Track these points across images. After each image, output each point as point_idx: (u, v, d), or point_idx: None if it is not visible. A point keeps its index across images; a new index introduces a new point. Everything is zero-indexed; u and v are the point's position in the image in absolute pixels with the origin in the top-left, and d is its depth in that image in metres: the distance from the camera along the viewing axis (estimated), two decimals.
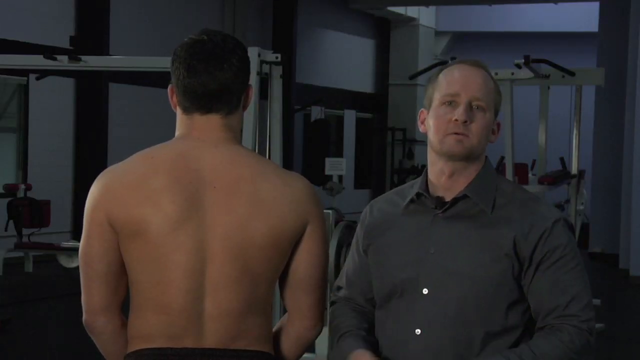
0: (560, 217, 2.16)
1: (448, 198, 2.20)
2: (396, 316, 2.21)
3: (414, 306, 2.18)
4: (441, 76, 2.22)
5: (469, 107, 2.16)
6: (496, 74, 7.92)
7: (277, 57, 6.14)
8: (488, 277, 2.11)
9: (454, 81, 2.18)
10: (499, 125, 2.23)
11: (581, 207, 9.43)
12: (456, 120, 2.14)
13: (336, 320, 2.34)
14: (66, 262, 10.98)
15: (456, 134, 2.15)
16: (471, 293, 2.12)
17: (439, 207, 2.19)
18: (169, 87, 2.24)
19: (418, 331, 2.16)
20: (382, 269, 2.26)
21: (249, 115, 5.82)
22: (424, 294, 2.16)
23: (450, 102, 2.17)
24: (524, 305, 2.15)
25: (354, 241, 2.37)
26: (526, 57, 7.72)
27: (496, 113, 2.22)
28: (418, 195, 2.23)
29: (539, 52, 10.25)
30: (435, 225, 2.18)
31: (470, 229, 2.15)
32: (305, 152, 17.00)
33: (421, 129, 2.25)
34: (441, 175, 2.20)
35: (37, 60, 7.20)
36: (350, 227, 5.73)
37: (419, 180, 2.26)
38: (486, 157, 2.25)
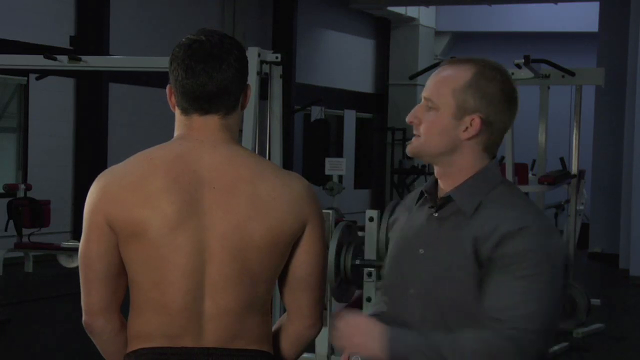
0: (532, 224, 2.06)
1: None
2: (389, 312, 2.24)
3: (401, 304, 2.20)
4: None
5: (422, 108, 2.17)
6: None
7: (277, 57, 6.14)
8: (464, 282, 2.09)
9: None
10: (473, 121, 2.12)
11: (581, 207, 9.42)
12: None
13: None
14: (66, 262, 10.98)
15: (413, 135, 2.19)
16: (450, 296, 2.11)
17: (434, 206, 2.19)
18: (167, 87, 2.24)
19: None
20: (386, 264, 2.29)
21: (249, 115, 5.82)
22: (410, 293, 2.17)
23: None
24: None
25: None
26: (526, 57, 7.71)
27: (466, 110, 2.12)
28: (422, 193, 2.24)
29: (539, 52, 10.25)
30: (428, 226, 2.19)
31: (452, 230, 2.14)
32: (305, 152, 16.99)
33: None
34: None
35: (37, 60, 7.20)
36: (350, 227, 5.72)
37: (432, 177, 2.28)
38: (493, 159, 2.20)
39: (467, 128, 2.13)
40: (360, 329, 2.09)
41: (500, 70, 2.17)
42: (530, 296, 2.02)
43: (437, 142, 2.14)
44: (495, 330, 2.01)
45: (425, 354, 2.02)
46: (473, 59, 2.19)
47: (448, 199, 2.16)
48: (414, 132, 2.18)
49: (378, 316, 2.25)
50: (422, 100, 2.18)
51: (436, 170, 2.20)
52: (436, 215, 2.17)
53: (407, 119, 2.18)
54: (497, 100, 2.13)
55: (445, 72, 2.17)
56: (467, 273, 2.08)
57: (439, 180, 2.21)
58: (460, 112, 2.13)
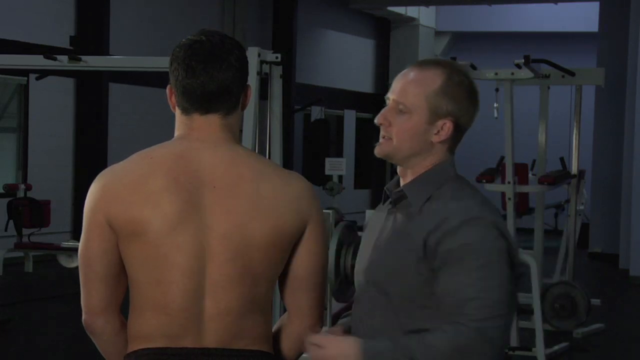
0: (475, 217, 2.11)
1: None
2: (354, 301, 2.28)
3: (360, 295, 2.26)
4: None
5: (393, 111, 2.19)
6: (496, 74, 7.92)
7: (277, 57, 6.14)
8: (409, 275, 2.13)
9: (393, 84, 2.23)
10: (445, 125, 2.17)
11: (581, 207, 9.43)
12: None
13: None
14: (66, 262, 10.98)
15: (382, 136, 2.22)
16: (399, 289, 2.15)
17: (392, 203, 2.25)
18: (168, 87, 2.24)
19: (360, 323, 2.22)
20: (357, 260, 2.34)
21: (249, 115, 5.82)
22: (365, 284, 2.23)
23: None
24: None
25: None
26: (526, 57, 7.71)
27: (439, 115, 2.17)
28: (386, 190, 2.30)
29: (539, 52, 10.24)
30: (386, 220, 2.25)
31: (402, 224, 2.20)
32: (305, 152, 16.99)
33: None
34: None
35: (37, 60, 7.20)
36: (350, 227, 5.72)
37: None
38: (449, 156, 2.24)
39: (438, 131, 2.19)
40: (333, 350, 2.10)
41: (464, 72, 2.24)
42: (485, 285, 2.06)
43: (409, 146, 2.19)
44: (459, 325, 2.05)
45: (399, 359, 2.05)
46: (439, 61, 2.23)
47: (400, 193, 2.22)
48: (383, 133, 2.21)
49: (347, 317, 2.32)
50: (391, 101, 2.20)
51: (399, 169, 2.26)
52: (392, 209, 2.24)
53: (377, 121, 2.21)
54: (466, 103, 2.21)
55: (415, 76, 2.20)
56: (414, 266, 2.13)
57: (400, 178, 2.27)
58: (433, 117, 2.18)
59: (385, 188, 2.29)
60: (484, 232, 2.11)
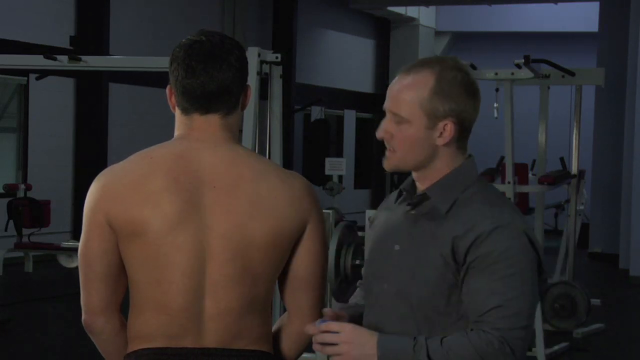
0: (506, 224, 2.09)
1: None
2: (368, 307, 2.24)
3: (377, 300, 2.21)
4: None
5: (391, 123, 2.16)
6: (496, 74, 7.92)
7: (277, 57, 6.14)
8: (435, 280, 2.11)
9: (387, 94, 2.19)
10: (446, 126, 2.13)
11: (581, 207, 9.42)
12: None
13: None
14: (66, 262, 10.98)
15: (387, 149, 2.19)
16: (421, 292, 2.12)
17: (411, 205, 2.21)
18: (167, 88, 2.24)
19: (376, 329, 2.17)
20: (366, 260, 2.31)
21: (249, 115, 5.82)
22: (384, 289, 2.19)
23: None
24: (460, 304, 2.13)
25: None
26: (526, 57, 7.71)
27: (438, 117, 2.12)
28: (400, 191, 2.26)
29: (539, 52, 10.24)
30: (404, 223, 2.20)
31: (427, 228, 2.15)
32: (305, 152, 16.99)
33: None
34: None
35: (37, 60, 7.19)
36: (350, 227, 5.72)
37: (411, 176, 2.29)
38: (470, 156, 2.22)
39: (441, 134, 2.15)
40: (350, 339, 2.08)
41: (457, 67, 2.17)
42: (512, 295, 2.05)
43: (415, 155, 2.16)
44: (483, 332, 2.03)
45: (418, 359, 2.03)
46: (428, 62, 2.18)
47: (424, 196, 2.17)
48: (387, 146, 2.18)
49: (353, 308, 2.28)
50: (387, 113, 2.17)
51: (414, 173, 2.23)
52: (412, 212, 2.19)
53: (378, 135, 2.18)
54: (463, 99, 2.15)
55: (405, 82, 2.15)
56: (440, 271, 2.10)
57: (416, 181, 2.23)
58: (432, 121, 2.14)
59: (401, 188, 2.25)
60: (515, 239, 2.08)
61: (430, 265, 2.11)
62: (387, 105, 2.17)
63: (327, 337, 2.09)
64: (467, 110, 2.16)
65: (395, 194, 2.32)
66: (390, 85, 2.19)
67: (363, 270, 2.40)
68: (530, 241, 2.11)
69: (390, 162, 2.20)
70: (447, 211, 2.13)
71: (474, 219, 2.09)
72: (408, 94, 2.14)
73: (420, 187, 2.21)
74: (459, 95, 2.14)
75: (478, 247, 2.07)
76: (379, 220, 2.31)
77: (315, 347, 2.12)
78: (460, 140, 2.18)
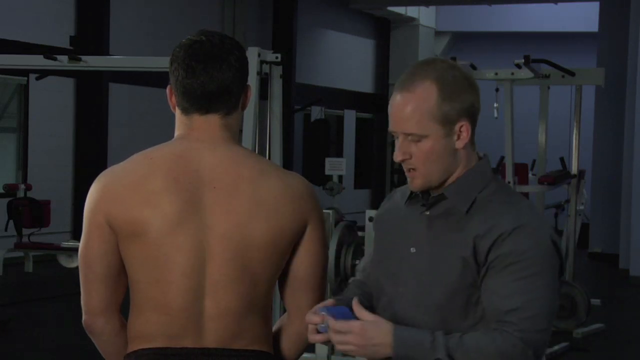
0: (526, 223, 2.07)
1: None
2: (380, 309, 2.21)
3: (392, 302, 2.19)
4: (389, 102, 2.17)
5: (406, 141, 2.12)
6: (496, 74, 7.92)
7: (277, 57, 6.14)
8: (456, 280, 2.09)
9: (390, 116, 2.14)
10: (462, 127, 2.11)
11: (581, 207, 9.42)
12: None
13: (342, 295, 2.33)
14: (66, 262, 10.96)
15: (407, 170, 2.15)
16: (440, 296, 2.11)
17: (425, 205, 2.19)
18: (168, 88, 2.24)
19: None
20: (374, 261, 2.28)
21: (249, 115, 5.82)
22: (400, 292, 2.16)
23: (397, 138, 2.15)
24: (480, 305, 2.12)
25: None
26: (526, 57, 7.71)
27: (453, 121, 2.10)
28: (412, 193, 2.23)
29: (539, 52, 10.24)
30: (419, 224, 2.18)
31: (445, 229, 2.13)
32: (305, 152, 16.99)
33: None
34: None
35: (37, 60, 7.20)
36: (350, 227, 5.73)
37: None
38: (484, 156, 2.21)
39: (459, 136, 2.13)
40: (368, 334, 2.04)
41: (451, 65, 2.15)
42: (533, 297, 2.03)
43: (439, 166, 2.13)
44: (505, 333, 2.02)
45: (436, 355, 2.00)
46: (421, 70, 2.13)
47: (441, 196, 2.15)
48: (408, 167, 2.14)
49: (347, 300, 2.19)
50: (400, 135, 2.12)
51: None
52: (427, 213, 2.17)
53: (398, 159, 2.13)
54: (469, 94, 2.12)
55: (407, 99, 2.10)
56: (460, 272, 2.09)
57: None
58: (448, 128, 2.11)
59: (411, 189, 2.21)
60: (535, 240, 2.07)
61: (450, 266, 2.09)
62: (395, 127, 2.12)
63: (337, 326, 2.04)
64: (475, 104, 2.14)
65: (398, 194, 2.30)
66: (391, 106, 2.13)
67: (364, 269, 2.37)
68: (554, 245, 2.09)
69: (416, 182, 2.14)
70: (466, 211, 2.11)
71: (495, 219, 2.07)
72: (415, 110, 2.09)
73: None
74: (464, 92, 2.12)
75: (499, 247, 2.05)
76: (388, 221, 2.27)
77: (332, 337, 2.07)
78: (472, 137, 2.16)
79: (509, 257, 2.04)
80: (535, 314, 2.03)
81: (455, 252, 2.09)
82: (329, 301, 2.14)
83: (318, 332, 2.11)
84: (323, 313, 2.08)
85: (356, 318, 2.06)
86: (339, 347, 2.07)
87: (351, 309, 2.09)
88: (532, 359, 2.03)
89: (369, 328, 2.03)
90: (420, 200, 2.20)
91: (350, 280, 2.42)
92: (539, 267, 2.05)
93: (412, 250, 2.17)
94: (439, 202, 2.16)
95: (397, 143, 2.14)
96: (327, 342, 2.12)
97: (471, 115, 2.13)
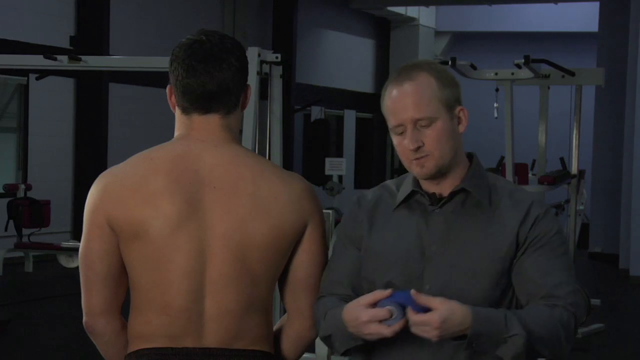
0: (548, 208, 2.21)
1: (442, 194, 2.20)
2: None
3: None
4: (385, 99, 2.19)
5: (416, 130, 2.14)
6: (496, 74, 7.92)
7: (277, 57, 6.13)
8: (490, 270, 2.13)
9: (392, 111, 2.16)
10: (462, 111, 2.19)
11: (581, 207, 9.41)
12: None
13: (321, 307, 2.23)
14: (66, 262, 10.98)
15: (416, 159, 2.16)
16: (471, 287, 2.13)
17: (435, 203, 2.19)
18: (168, 87, 2.24)
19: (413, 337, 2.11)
20: (377, 266, 2.21)
21: (249, 115, 5.82)
22: (426, 290, 2.14)
23: (401, 132, 2.16)
24: (511, 290, 2.18)
25: (338, 239, 2.31)
26: (526, 57, 7.71)
27: (453, 106, 2.17)
28: (412, 192, 2.22)
29: (539, 52, 10.24)
30: (432, 221, 2.18)
31: (470, 222, 2.16)
32: (305, 152, 16.99)
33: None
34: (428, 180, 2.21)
35: (37, 60, 7.19)
36: None
37: (409, 177, 2.25)
38: (474, 154, 2.26)
39: (459, 121, 2.20)
40: (447, 323, 2.00)
41: (437, 62, 2.31)
42: (569, 273, 2.16)
43: (449, 148, 2.16)
44: (558, 307, 2.10)
45: (513, 331, 2.02)
46: (412, 67, 2.18)
47: (457, 192, 2.18)
48: (417, 156, 2.15)
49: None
50: (408, 124, 2.14)
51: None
52: (439, 210, 2.18)
53: (412, 146, 2.13)
54: (456, 84, 2.21)
55: (411, 88, 2.14)
56: (495, 260, 2.13)
57: (424, 181, 2.20)
58: (450, 111, 2.17)
59: (414, 189, 2.21)
60: (557, 222, 2.21)
61: (484, 258, 2.14)
62: (403, 116, 2.14)
63: (417, 329, 2.01)
64: (460, 92, 2.23)
65: (383, 190, 2.28)
66: (395, 99, 2.16)
67: (341, 282, 2.25)
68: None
69: (428, 167, 2.15)
70: (488, 201, 2.18)
71: (525, 203, 2.18)
72: (423, 95, 2.14)
73: (434, 186, 2.19)
74: (454, 82, 2.21)
75: (535, 229, 2.15)
76: (378, 231, 2.23)
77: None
78: None
79: (543, 238, 2.15)
80: (575, 289, 2.14)
81: (492, 244, 2.14)
82: (387, 292, 2.06)
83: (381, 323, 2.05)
84: (389, 307, 2.03)
85: (416, 303, 2.03)
86: (415, 332, 2.04)
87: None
88: (574, 333, 2.13)
89: (447, 316, 2.00)
90: (421, 199, 2.20)
91: (324, 299, 2.26)
92: (565, 246, 2.20)
93: (433, 247, 2.16)
94: (452, 197, 2.19)
95: (407, 134, 2.15)
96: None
97: (461, 101, 2.22)
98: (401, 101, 2.15)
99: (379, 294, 2.05)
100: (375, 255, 2.22)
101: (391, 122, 2.17)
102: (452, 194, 2.19)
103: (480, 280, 2.13)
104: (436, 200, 2.19)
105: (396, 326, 2.02)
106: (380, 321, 2.03)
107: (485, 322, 2.02)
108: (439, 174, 2.18)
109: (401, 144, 2.16)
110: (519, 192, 2.21)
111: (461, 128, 2.20)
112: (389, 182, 2.32)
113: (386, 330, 2.03)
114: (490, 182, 2.22)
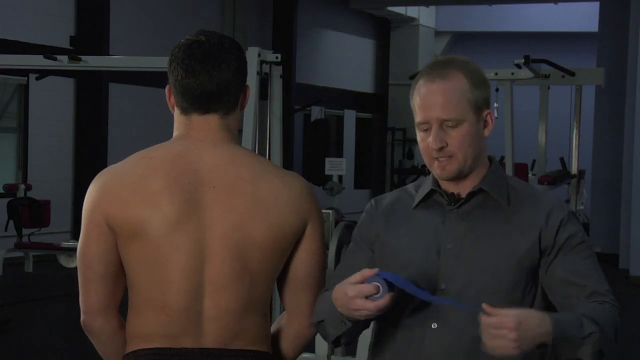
0: (570, 208, 2.21)
1: (460, 194, 2.19)
2: (411, 312, 2.16)
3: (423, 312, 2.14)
4: (415, 94, 2.18)
5: (441, 130, 2.13)
6: (496, 74, 7.92)
7: (277, 57, 6.14)
8: (509, 270, 2.12)
9: (420, 106, 2.14)
10: (489, 115, 2.18)
11: (581, 207, 9.43)
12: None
13: (322, 296, 2.23)
14: (66, 262, 10.99)
15: (438, 159, 2.14)
16: (490, 287, 2.12)
17: (453, 203, 2.18)
18: (167, 88, 2.24)
19: (434, 325, 2.12)
20: (393, 263, 2.18)
21: (249, 115, 5.82)
22: (442, 289, 2.13)
23: (426, 129, 2.15)
24: (533, 292, 2.16)
25: (352, 241, 2.31)
26: (526, 57, 7.72)
27: (481, 108, 2.16)
28: (431, 192, 2.21)
29: (539, 52, 10.25)
30: (449, 221, 2.17)
31: (488, 223, 2.16)
32: (305, 152, 16.99)
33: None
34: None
35: (37, 60, 7.20)
36: (350, 227, 5.72)
37: (428, 178, 2.25)
38: (493, 157, 2.25)
39: (485, 124, 2.19)
40: (526, 321, 1.93)
41: (469, 60, 2.22)
42: (601, 272, 2.17)
43: (475, 151, 2.16)
44: (605, 304, 2.11)
45: (588, 330, 2.02)
46: (445, 63, 2.18)
47: (476, 192, 2.17)
48: (439, 155, 2.13)
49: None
50: (435, 123, 2.12)
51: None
52: (456, 210, 2.18)
53: (436, 146, 2.12)
54: (488, 87, 2.20)
55: (441, 87, 2.13)
56: (515, 261, 2.12)
57: (443, 181, 2.19)
58: (478, 114, 2.16)
59: (433, 188, 2.20)
60: (580, 224, 2.21)
61: (503, 257, 2.13)
62: (432, 114, 2.12)
63: (495, 332, 1.93)
64: (489, 97, 2.21)
65: (402, 192, 2.28)
66: (425, 95, 2.14)
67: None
68: None
69: (450, 169, 2.14)
70: (507, 202, 2.17)
71: (547, 206, 2.17)
72: (454, 95, 2.12)
73: (454, 186, 2.19)
74: (485, 83, 2.19)
75: (563, 231, 2.14)
76: (394, 230, 2.22)
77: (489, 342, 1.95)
78: None
79: (574, 239, 2.15)
80: (609, 287, 2.16)
81: (512, 245, 2.13)
82: (374, 270, 2.03)
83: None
84: (375, 283, 2.01)
85: (422, 289, 2.03)
86: (490, 342, 1.94)
87: (386, 280, 2.01)
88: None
89: (522, 318, 1.93)
90: (440, 199, 2.20)
91: (328, 292, 2.23)
92: (592, 247, 2.20)
93: (449, 246, 2.15)
94: (470, 198, 2.18)
95: (432, 132, 2.13)
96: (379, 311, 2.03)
97: (490, 104, 2.21)
98: (430, 99, 2.13)
99: (367, 272, 2.03)
100: (392, 252, 2.21)
101: (418, 117, 2.16)
102: (470, 195, 2.18)
103: (501, 280, 2.12)
104: (454, 200, 2.19)
105: (381, 302, 2.00)
106: (367, 297, 2.01)
107: (564, 323, 1.99)
108: (459, 177, 2.17)
109: (425, 141, 2.16)
110: (539, 194, 2.21)
111: (486, 132, 2.18)
112: (409, 186, 2.31)
113: (370, 305, 2.00)
114: (510, 184, 2.21)
